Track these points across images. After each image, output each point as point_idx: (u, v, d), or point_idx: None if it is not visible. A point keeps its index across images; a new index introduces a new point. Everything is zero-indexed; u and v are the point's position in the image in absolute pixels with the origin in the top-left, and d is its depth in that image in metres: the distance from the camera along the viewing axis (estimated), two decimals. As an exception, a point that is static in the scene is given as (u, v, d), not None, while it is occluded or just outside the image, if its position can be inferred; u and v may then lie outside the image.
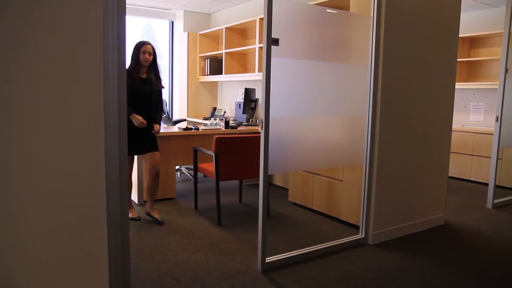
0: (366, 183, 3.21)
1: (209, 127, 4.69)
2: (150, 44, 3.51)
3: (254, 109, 5.62)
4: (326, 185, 3.85)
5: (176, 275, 2.63)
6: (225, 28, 6.00)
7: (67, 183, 1.67)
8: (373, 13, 3.06)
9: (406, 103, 3.34)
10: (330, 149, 3.09)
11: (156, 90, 3.59)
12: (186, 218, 3.80)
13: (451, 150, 3.94)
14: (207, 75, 6.56)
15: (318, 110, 2.96)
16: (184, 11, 6.93)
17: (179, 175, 5.58)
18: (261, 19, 4.96)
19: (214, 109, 6.38)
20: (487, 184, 4.52)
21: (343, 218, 3.68)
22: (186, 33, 6.68)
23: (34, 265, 1.71)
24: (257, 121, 5.50)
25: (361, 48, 3.09)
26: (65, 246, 1.71)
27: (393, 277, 2.67)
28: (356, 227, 3.39)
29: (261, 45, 3.82)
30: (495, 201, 4.38)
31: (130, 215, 3.64)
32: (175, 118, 6.83)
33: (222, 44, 6.13)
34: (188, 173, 5.63)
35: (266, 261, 2.73)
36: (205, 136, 4.53)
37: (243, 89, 5.66)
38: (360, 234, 3.27)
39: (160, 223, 3.58)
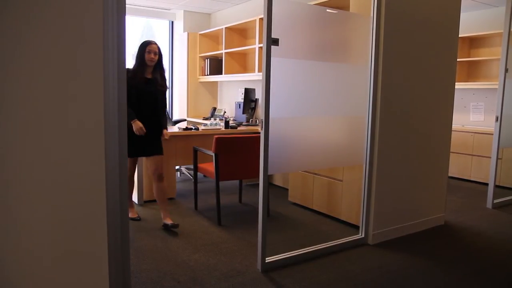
0: (366, 183, 3.21)
1: (209, 127, 4.69)
2: (155, 43, 3.42)
3: (254, 109, 5.62)
4: (326, 185, 3.85)
5: (176, 275, 2.63)
6: (225, 28, 6.00)
7: (67, 183, 1.67)
8: (373, 13, 3.06)
9: (406, 103, 3.34)
10: (330, 149, 3.09)
11: (160, 91, 3.52)
12: (186, 218, 3.80)
13: (451, 150, 3.94)
14: (207, 75, 6.56)
15: (318, 110, 2.96)
16: (184, 11, 6.93)
17: (179, 175, 5.58)
18: (261, 19, 4.96)
19: (214, 109, 6.38)
20: (487, 184, 4.52)
21: (343, 218, 3.68)
22: (186, 33, 6.68)
23: (34, 265, 1.71)
24: (257, 121, 5.50)
25: (361, 48, 3.09)
26: (65, 246, 1.71)
27: (393, 277, 2.68)
28: (356, 227, 3.39)
29: (261, 45, 3.82)
30: (495, 201, 4.38)
31: (130, 215, 3.64)
32: (175, 118, 6.83)
33: (222, 44, 6.13)
34: (188, 173, 5.63)
35: (266, 261, 2.73)
36: (205, 136, 4.53)
37: (243, 89, 5.66)
38: (360, 234, 3.27)
39: (175, 226, 3.40)
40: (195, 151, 4.02)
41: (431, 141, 3.60)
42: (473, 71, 5.98)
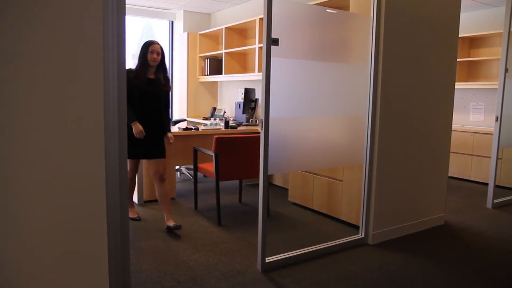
0: (366, 183, 3.21)
1: (209, 127, 4.69)
2: (158, 43, 3.40)
3: (254, 109, 5.62)
4: (326, 185, 3.85)
5: (176, 275, 2.63)
6: (225, 28, 6.00)
7: (67, 183, 1.67)
8: (373, 13, 3.06)
9: (406, 103, 3.34)
10: (330, 149, 3.09)
11: (164, 91, 3.48)
12: (186, 218, 3.80)
13: (451, 150, 3.94)
14: (207, 75, 6.56)
15: (318, 110, 2.96)
16: (184, 11, 6.93)
17: (179, 175, 5.58)
18: (261, 19, 4.95)
19: (214, 109, 6.38)
20: (487, 184, 4.52)
21: (343, 218, 3.68)
22: (186, 33, 6.68)
23: (34, 265, 1.71)
24: (257, 121, 5.50)
25: (361, 48, 3.09)
26: (65, 246, 1.71)
27: (393, 277, 2.68)
28: (356, 227, 3.39)
29: (261, 45, 3.83)
30: (495, 201, 4.38)
31: (130, 215, 3.63)
32: (175, 118, 6.83)
33: (222, 44, 6.13)
34: (188, 173, 5.63)
35: (266, 261, 2.73)
36: (205, 136, 4.53)
37: (243, 89, 5.66)
38: (360, 234, 3.27)
39: (178, 228, 3.34)
40: (195, 151, 4.02)
41: (431, 141, 3.60)
42: (473, 71, 5.98)
